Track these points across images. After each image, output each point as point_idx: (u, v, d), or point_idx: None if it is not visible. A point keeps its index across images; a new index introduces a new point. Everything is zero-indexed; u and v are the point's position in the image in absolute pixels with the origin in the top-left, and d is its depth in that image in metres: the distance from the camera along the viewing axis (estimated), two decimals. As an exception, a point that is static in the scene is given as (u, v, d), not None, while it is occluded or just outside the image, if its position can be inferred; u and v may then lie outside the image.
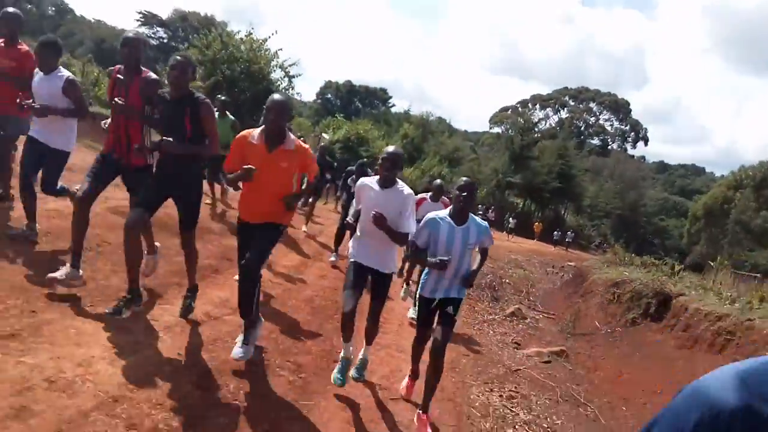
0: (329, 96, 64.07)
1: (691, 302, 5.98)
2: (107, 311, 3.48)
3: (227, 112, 7.55)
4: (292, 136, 3.52)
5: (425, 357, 3.73)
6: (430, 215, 3.67)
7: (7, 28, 4.55)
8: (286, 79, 17.73)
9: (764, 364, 0.67)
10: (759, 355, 0.72)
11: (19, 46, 4.61)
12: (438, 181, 6.47)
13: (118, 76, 3.92)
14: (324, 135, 24.61)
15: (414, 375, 3.98)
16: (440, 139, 38.70)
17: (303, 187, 3.80)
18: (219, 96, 8.11)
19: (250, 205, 3.52)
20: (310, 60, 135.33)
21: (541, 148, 38.21)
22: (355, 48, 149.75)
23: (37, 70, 4.31)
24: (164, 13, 57.66)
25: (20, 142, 4.75)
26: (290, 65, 17.58)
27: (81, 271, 3.81)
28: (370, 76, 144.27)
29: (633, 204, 54.94)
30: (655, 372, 5.38)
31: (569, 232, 30.20)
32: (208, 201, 7.37)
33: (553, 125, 68.38)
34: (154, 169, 3.85)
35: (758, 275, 18.29)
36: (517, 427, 3.97)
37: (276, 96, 3.40)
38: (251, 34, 17.59)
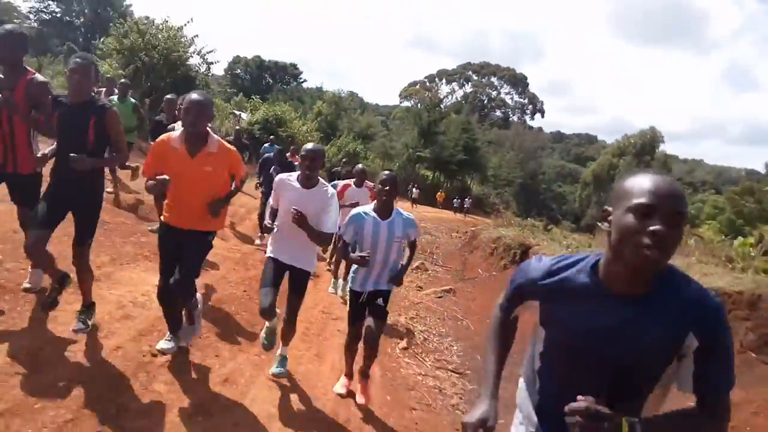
0: (238, 71, 63.40)
1: (542, 249, 8.40)
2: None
3: (127, 95, 7.43)
4: (215, 137, 3.33)
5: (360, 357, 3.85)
6: (354, 211, 3.72)
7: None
8: (204, 65, 18.68)
9: (567, 258, 1.52)
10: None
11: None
12: (360, 165, 6.75)
13: None
14: (242, 116, 25.50)
15: (349, 374, 4.01)
16: (353, 116, 40.48)
17: (232, 189, 3.52)
18: (122, 80, 8.18)
19: (176, 211, 3.34)
20: (217, 33, 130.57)
21: (447, 123, 41.15)
22: (262, 23, 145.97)
23: None
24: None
25: None
26: (208, 52, 18.57)
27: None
28: (280, 52, 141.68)
29: (532, 173, 60.06)
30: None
31: (467, 199, 33.03)
32: (110, 190, 6.95)
33: (459, 99, 72.45)
34: (49, 179, 3.47)
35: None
36: (416, 334, 6.05)
37: (194, 95, 3.19)
38: (167, 21, 18.26)
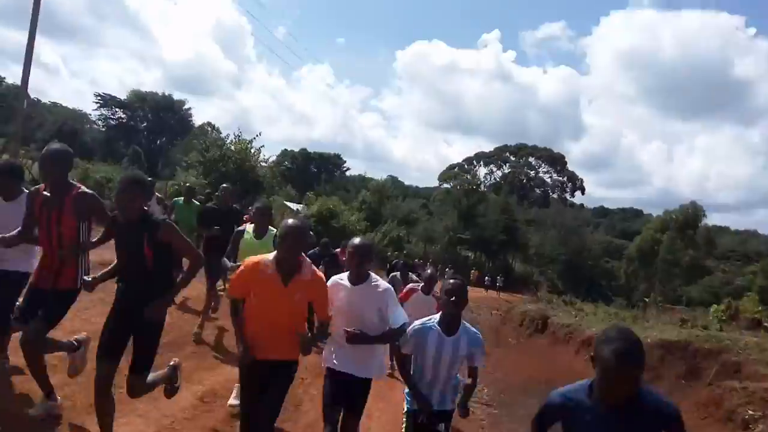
0: (286, 163, 69.23)
1: (558, 319, 10.71)
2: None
3: (193, 199, 8.53)
4: (308, 262, 3.28)
5: None
6: (419, 323, 3.45)
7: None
8: (269, 171, 22.47)
9: (575, 385, 2.11)
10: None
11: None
12: (429, 271, 6.43)
13: (45, 193, 3.59)
14: (299, 209, 29.06)
15: None
16: (395, 203, 43.86)
17: (316, 328, 3.43)
18: (185, 182, 10.01)
19: (262, 340, 3.22)
20: (262, 127, 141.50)
21: (485, 206, 43.99)
22: (304, 114, 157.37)
23: None
24: (122, 94, 61.64)
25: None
26: (268, 159, 22.41)
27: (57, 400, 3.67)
28: (322, 138, 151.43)
29: (576, 249, 61.22)
30: (537, 360, 9.96)
31: (498, 277, 34.41)
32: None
33: (498, 179, 75.81)
34: (114, 305, 3.37)
35: (676, 306, 23.61)
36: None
37: (292, 222, 3.19)
38: (240, 135, 22.26)
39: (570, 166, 78.42)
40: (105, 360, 3.23)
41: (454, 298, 3.26)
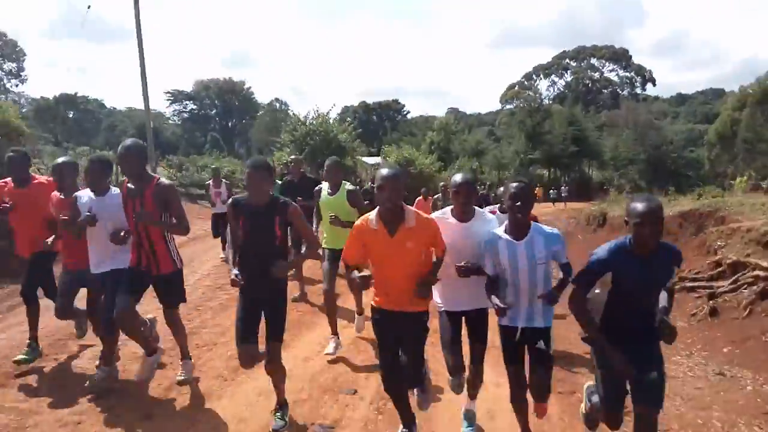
0: (348, 119, 72.53)
1: (613, 212, 13.75)
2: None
3: (343, 181, 5.55)
4: (411, 210, 3.27)
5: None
6: (488, 236, 3.36)
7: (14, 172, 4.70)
8: (351, 137, 26.19)
9: (612, 244, 2.96)
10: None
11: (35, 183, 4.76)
12: (502, 189, 6.17)
13: (129, 185, 4.00)
14: (378, 162, 32.59)
15: None
16: (462, 137, 46.46)
17: (434, 264, 3.36)
18: (290, 160, 8.18)
19: (386, 294, 3.36)
20: (318, 86, 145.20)
21: (551, 122, 45.59)
22: (352, 64, 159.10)
23: (80, 194, 4.31)
24: (188, 86, 66.98)
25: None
26: (350, 125, 25.97)
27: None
28: (376, 84, 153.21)
29: (654, 144, 60.83)
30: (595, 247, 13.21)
31: (562, 187, 35.66)
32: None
33: (561, 89, 75.60)
34: (241, 287, 3.57)
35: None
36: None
37: (385, 170, 3.18)
38: (318, 110, 26.01)
39: (636, 59, 76.68)
40: (247, 342, 3.57)
41: (519, 202, 3.17)
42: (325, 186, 5.50)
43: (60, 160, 4.78)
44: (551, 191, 35.80)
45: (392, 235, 3.23)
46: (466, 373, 3.65)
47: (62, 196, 4.50)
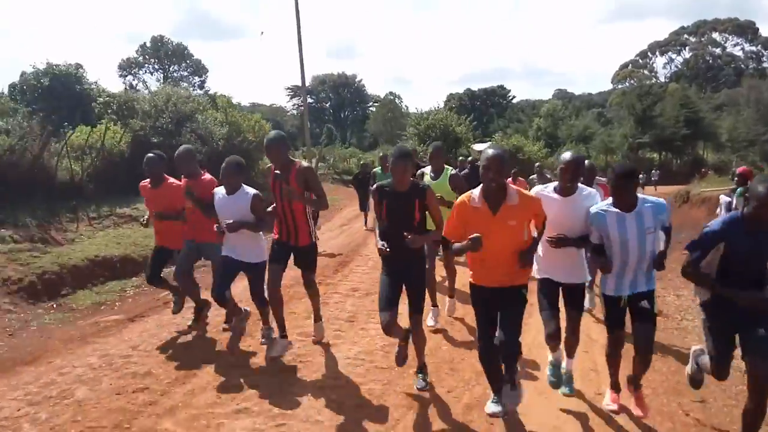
0: (453, 106, 76.84)
1: (695, 191, 17.38)
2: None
3: (445, 165, 6.31)
4: (513, 188, 3.54)
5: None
6: (593, 209, 3.71)
7: (152, 171, 5.56)
8: (467, 129, 30.91)
9: (726, 218, 3.46)
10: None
11: (167, 184, 5.58)
12: (587, 161, 6.09)
13: (276, 171, 4.76)
14: (474, 148, 36.80)
15: (615, 387, 4.07)
16: (569, 123, 49.17)
17: (533, 239, 3.67)
18: (434, 144, 7.13)
19: (485, 270, 3.63)
20: (415, 75, 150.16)
21: (663, 105, 46.83)
22: (453, 47, 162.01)
23: (217, 190, 4.97)
24: (307, 82, 74.37)
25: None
26: (467, 118, 30.71)
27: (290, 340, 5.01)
28: (479, 66, 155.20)
29: None
30: (676, 221, 16.90)
31: (653, 171, 36.22)
32: None
33: (679, 66, 74.50)
34: (384, 260, 4.19)
35: None
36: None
37: (491, 150, 3.47)
38: (438, 105, 31.05)
39: (765, 30, 73.51)
40: (388, 310, 4.08)
41: (623, 180, 3.55)
42: (428, 170, 6.02)
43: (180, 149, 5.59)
44: (641, 176, 35.68)
45: (494, 212, 3.45)
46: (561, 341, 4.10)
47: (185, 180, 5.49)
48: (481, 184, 3.54)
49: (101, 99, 20.28)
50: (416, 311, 4.19)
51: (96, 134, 14.43)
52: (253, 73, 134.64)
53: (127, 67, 57.21)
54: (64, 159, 12.67)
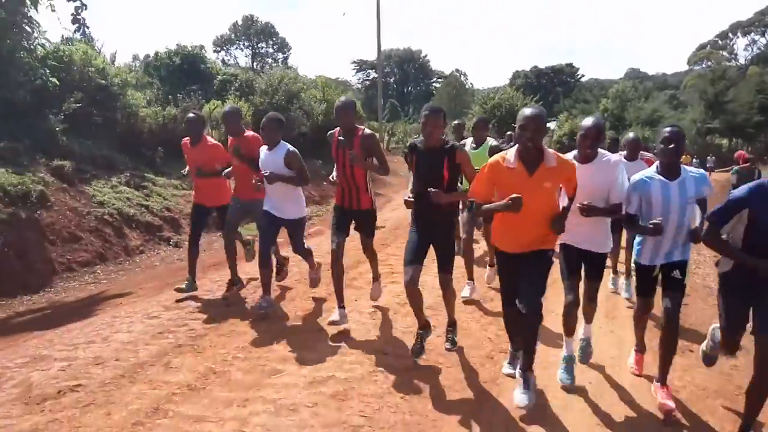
0: (519, 84, 77.18)
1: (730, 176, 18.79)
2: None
3: (488, 137, 6.56)
4: (550, 151, 3.53)
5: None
6: (636, 177, 3.79)
7: (191, 131, 5.97)
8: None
9: (752, 185, 3.31)
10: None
11: (205, 143, 5.99)
12: (631, 134, 6.30)
13: (339, 137, 4.91)
14: (551, 126, 38.07)
15: (640, 348, 4.30)
16: (637, 105, 49.36)
17: (564, 208, 3.72)
18: (478, 117, 7.37)
19: (512, 235, 3.65)
20: (484, 51, 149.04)
21: (736, 90, 46.32)
22: (523, 22, 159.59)
23: (263, 148, 5.31)
24: (372, 56, 76.55)
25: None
26: (533, 98, 32.43)
27: (346, 311, 5.08)
28: (550, 41, 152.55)
29: None
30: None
31: (709, 157, 35.86)
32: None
33: (763, 48, 71.91)
34: (413, 218, 4.37)
35: None
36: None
37: (529, 110, 3.47)
38: (506, 85, 32.70)
39: None
40: (412, 264, 4.19)
41: (672, 145, 3.59)
42: (469, 141, 6.35)
43: (226, 108, 6.10)
44: (693, 160, 34.41)
45: (531, 174, 3.48)
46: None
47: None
48: (517, 145, 3.57)
49: (220, 77, 23.89)
50: (444, 271, 4.34)
51: (218, 107, 17.62)
52: (319, 45, 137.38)
53: (221, 44, 61.81)
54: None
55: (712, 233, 3.49)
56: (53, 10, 10.06)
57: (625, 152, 5.95)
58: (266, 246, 5.41)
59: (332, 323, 5.04)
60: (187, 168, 6.35)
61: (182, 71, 21.68)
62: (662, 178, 3.72)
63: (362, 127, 5.00)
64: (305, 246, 5.68)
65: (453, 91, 57.21)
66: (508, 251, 3.76)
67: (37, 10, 9.86)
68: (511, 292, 3.75)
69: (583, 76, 75.15)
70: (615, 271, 6.66)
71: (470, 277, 6.16)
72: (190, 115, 6.21)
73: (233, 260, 6.18)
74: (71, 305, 6.99)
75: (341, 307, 5.12)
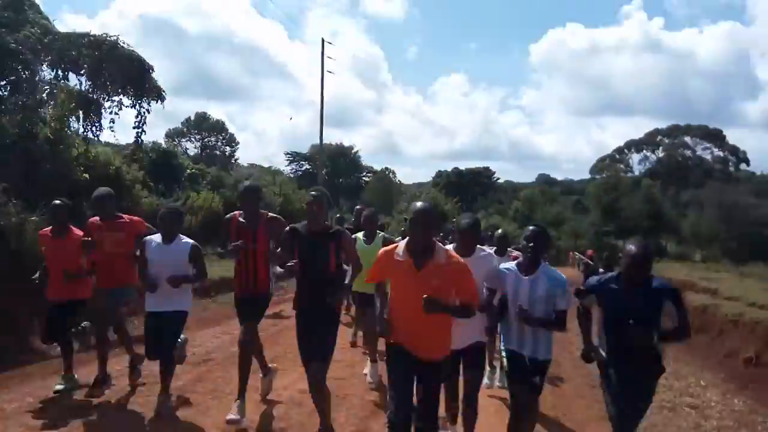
0: (441, 183, 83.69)
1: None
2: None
3: (377, 231, 6.59)
4: (443, 247, 3.53)
5: None
6: (500, 267, 4.07)
7: (56, 220, 5.46)
8: (455, 209, 37.30)
9: (606, 275, 3.92)
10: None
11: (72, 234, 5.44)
12: (500, 230, 6.73)
13: (240, 220, 4.85)
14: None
15: None
16: (545, 208, 55.98)
17: (455, 307, 3.53)
18: (369, 210, 7.09)
19: (404, 332, 3.51)
20: (405, 145, 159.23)
21: (627, 200, 53.94)
22: (444, 126, 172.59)
23: (151, 238, 4.97)
24: (305, 149, 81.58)
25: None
26: (456, 201, 37.40)
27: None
28: (464, 147, 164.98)
29: (741, 224, 64.01)
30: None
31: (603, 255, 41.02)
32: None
33: (653, 164, 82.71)
34: (298, 310, 4.27)
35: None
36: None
37: (419, 204, 3.46)
38: (429, 194, 37.39)
39: (750, 130, 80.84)
40: (317, 360, 4.09)
41: (532, 243, 3.87)
42: (360, 235, 6.40)
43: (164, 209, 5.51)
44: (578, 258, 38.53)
45: (419, 269, 3.41)
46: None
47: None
48: (407, 238, 3.54)
49: (189, 170, 27.68)
50: (319, 358, 4.11)
51: (200, 199, 21.69)
52: (252, 135, 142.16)
53: (173, 136, 66.14)
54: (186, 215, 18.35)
55: (583, 313, 4.08)
56: (113, 130, 11.57)
57: (495, 248, 6.31)
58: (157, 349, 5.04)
59: (230, 422, 4.69)
60: (39, 273, 5.70)
61: (156, 165, 24.44)
62: (517, 271, 4.00)
63: (265, 211, 5.07)
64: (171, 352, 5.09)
65: (382, 186, 62.25)
66: (399, 343, 3.59)
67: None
68: (402, 392, 3.53)
69: (498, 179, 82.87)
70: (373, 359, 6.58)
71: (373, 359, 6.40)
72: (57, 202, 5.53)
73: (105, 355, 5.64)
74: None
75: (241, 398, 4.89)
